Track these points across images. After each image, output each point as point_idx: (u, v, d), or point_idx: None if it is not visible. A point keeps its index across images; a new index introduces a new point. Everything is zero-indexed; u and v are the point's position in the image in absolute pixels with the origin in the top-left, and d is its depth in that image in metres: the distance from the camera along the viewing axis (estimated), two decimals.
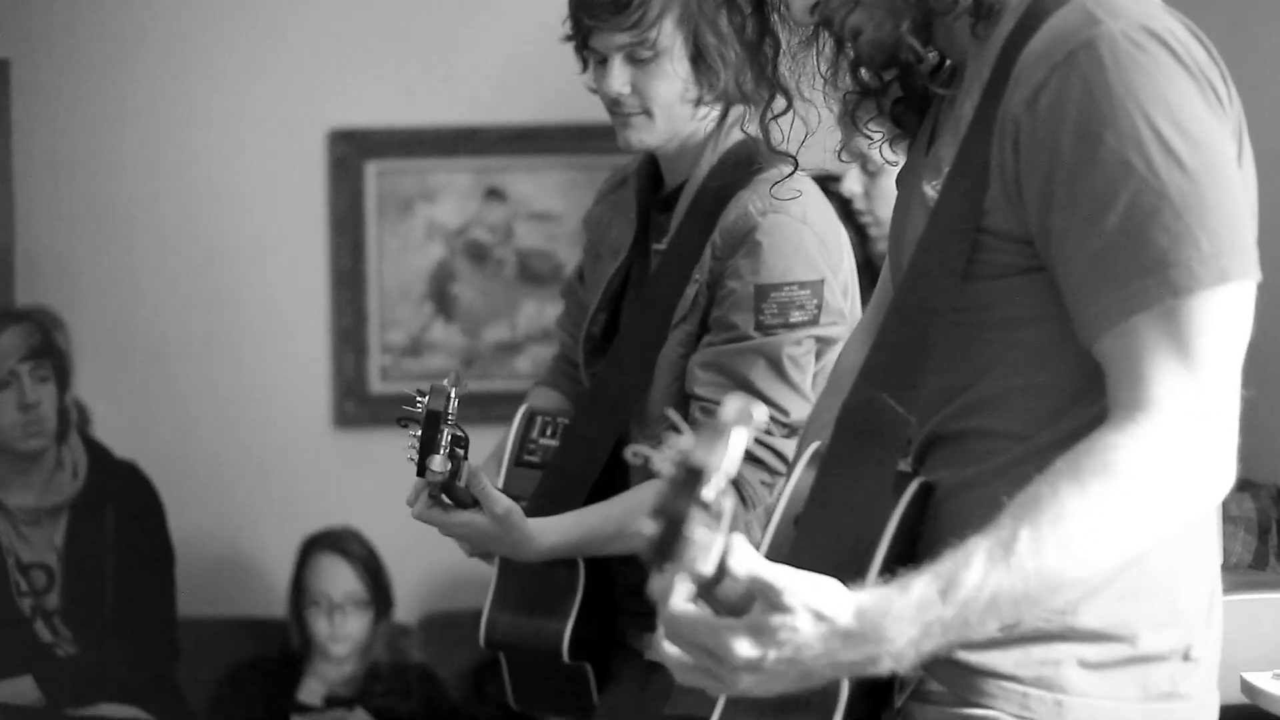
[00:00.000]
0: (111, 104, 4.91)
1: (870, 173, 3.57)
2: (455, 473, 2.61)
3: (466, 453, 2.62)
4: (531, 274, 4.99)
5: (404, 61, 4.93)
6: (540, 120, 4.88)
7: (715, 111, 2.86)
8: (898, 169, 2.15)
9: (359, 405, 4.99)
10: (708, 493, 1.59)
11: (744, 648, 1.70)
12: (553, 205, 4.95)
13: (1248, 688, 2.94)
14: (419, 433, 2.58)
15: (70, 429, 4.28)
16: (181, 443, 4.92)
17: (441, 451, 2.57)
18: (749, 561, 1.69)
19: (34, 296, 4.81)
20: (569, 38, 2.86)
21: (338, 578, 4.58)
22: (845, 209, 3.51)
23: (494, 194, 4.97)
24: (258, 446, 4.98)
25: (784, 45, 2.13)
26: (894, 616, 1.72)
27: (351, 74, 4.93)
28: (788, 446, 2.73)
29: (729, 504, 1.64)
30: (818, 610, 1.71)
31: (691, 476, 1.58)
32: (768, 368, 2.76)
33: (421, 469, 2.60)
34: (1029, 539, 1.72)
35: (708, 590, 1.71)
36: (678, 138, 2.86)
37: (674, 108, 2.82)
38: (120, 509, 4.29)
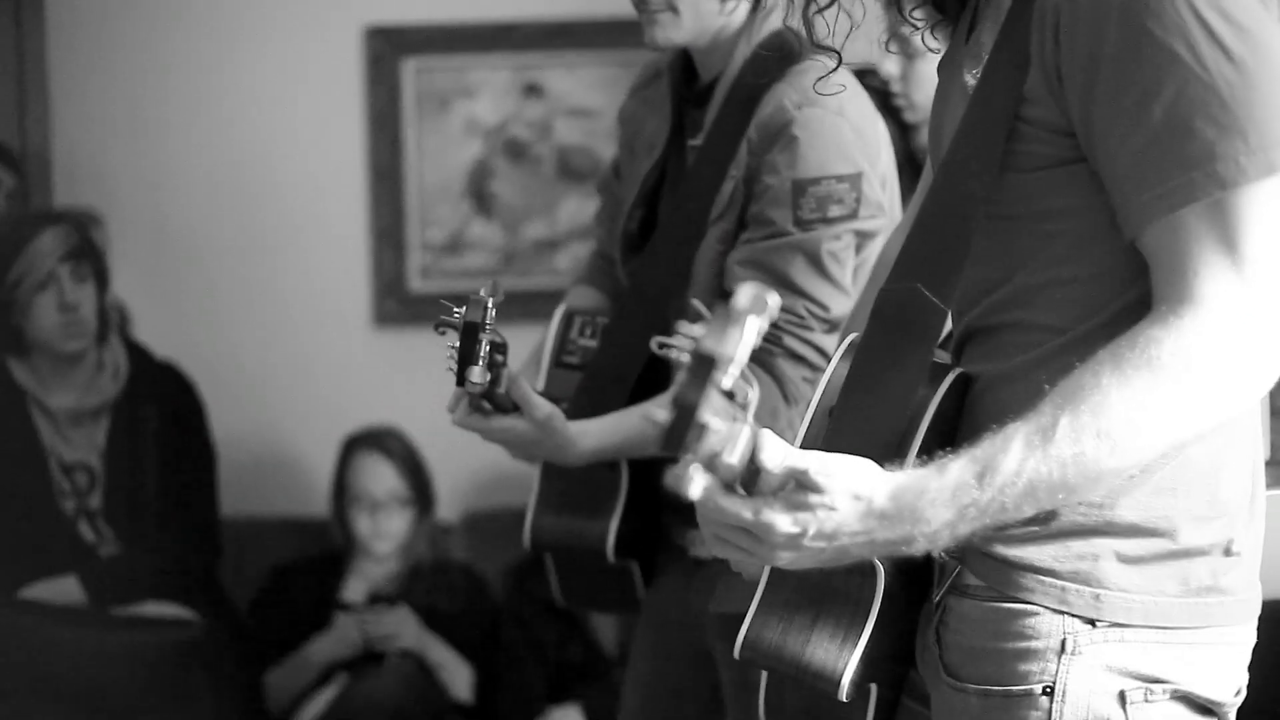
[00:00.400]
0: (146, 5, 4.89)
1: (909, 55, 3.52)
2: (495, 380, 2.60)
3: (506, 359, 2.60)
4: (571, 170, 4.97)
5: None
6: (578, 15, 4.84)
7: (746, 3, 2.82)
8: (938, 55, 2.12)
9: (399, 303, 4.99)
10: (723, 380, 1.59)
11: (783, 523, 1.73)
12: (591, 101, 4.92)
13: None
14: (457, 343, 2.57)
15: (110, 330, 4.28)
16: (221, 342, 4.93)
17: (480, 362, 2.56)
18: (781, 451, 1.71)
19: (73, 198, 4.81)
20: None
21: (379, 476, 4.59)
22: (884, 100, 3.47)
23: (532, 90, 4.94)
24: (298, 345, 4.98)
25: None
26: (929, 498, 1.74)
27: None
28: (829, 342, 2.71)
29: (754, 394, 1.65)
30: (854, 490, 1.73)
31: (704, 364, 1.58)
32: (807, 263, 2.74)
33: (461, 379, 2.59)
34: (1068, 426, 1.72)
35: (744, 483, 1.72)
36: (707, 33, 2.83)
37: (701, 3, 2.79)
38: (161, 409, 4.29)
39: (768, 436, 1.71)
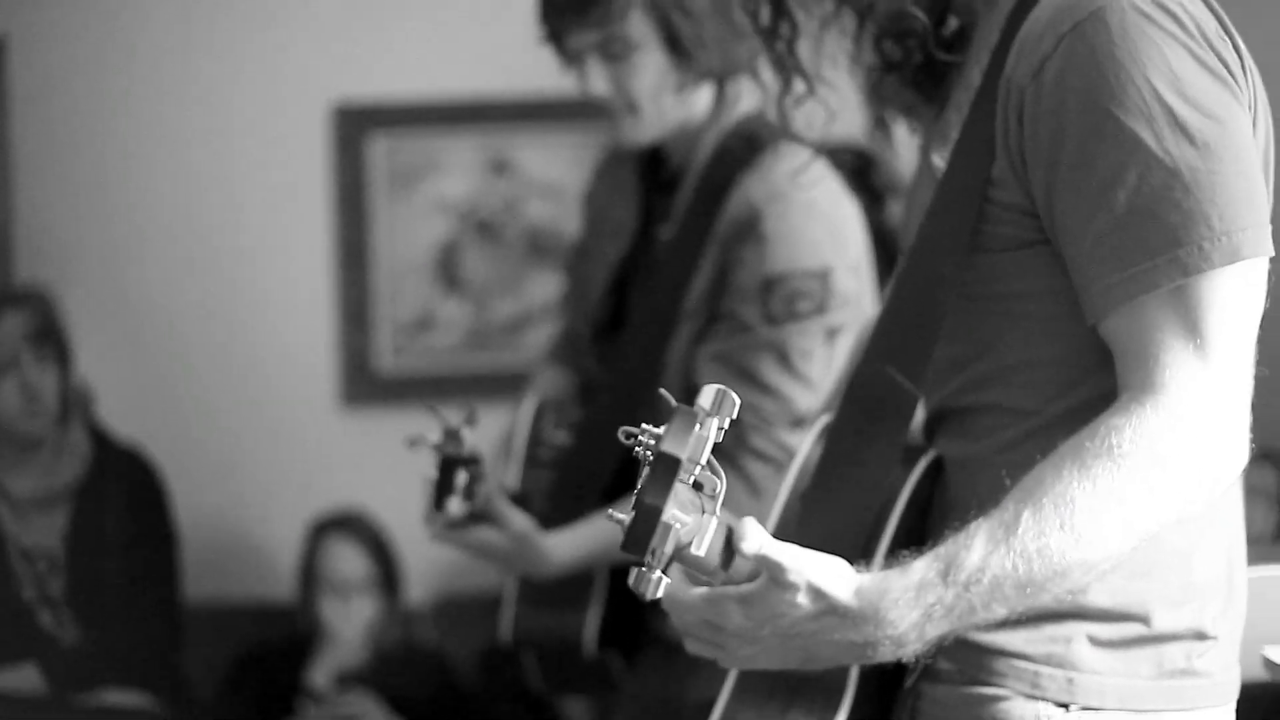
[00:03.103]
0: (111, 79, 4.88)
1: (889, 140, 3.53)
2: (471, 498, 2.65)
3: (482, 474, 2.64)
4: (540, 248, 4.96)
5: (408, 33, 4.90)
6: (547, 92, 4.83)
7: (708, 92, 2.81)
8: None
9: (366, 383, 4.96)
10: (684, 478, 1.60)
11: (736, 616, 1.73)
12: (560, 178, 4.92)
13: (1270, 663, 2.90)
14: (434, 466, 2.63)
15: (72, 412, 4.25)
16: (186, 422, 4.90)
17: (459, 492, 2.62)
18: (759, 538, 1.70)
19: (35, 273, 4.78)
20: (543, 40, 2.82)
21: (347, 560, 4.55)
22: (858, 174, 3.46)
23: (501, 167, 4.94)
24: (264, 426, 4.95)
25: (800, 27, 2.11)
26: (893, 598, 1.72)
27: (354, 46, 4.90)
28: (796, 439, 2.69)
29: (722, 485, 1.65)
30: (818, 587, 1.71)
31: (666, 465, 1.59)
32: (775, 361, 2.74)
33: (439, 505, 2.64)
34: (1030, 520, 1.71)
35: (717, 572, 1.72)
36: (672, 125, 2.82)
37: (659, 99, 2.78)
38: (123, 494, 4.27)
39: (749, 523, 1.70)
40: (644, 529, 1.59)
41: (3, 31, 4.85)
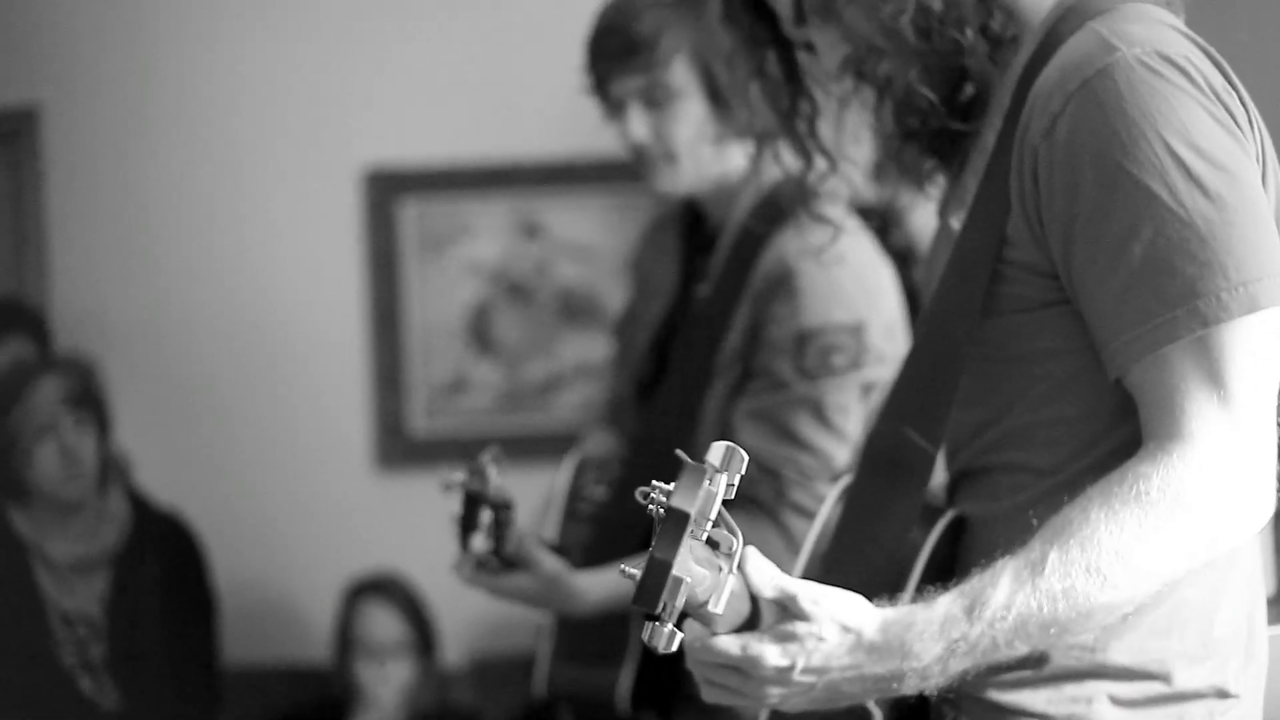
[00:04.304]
0: (145, 146, 4.91)
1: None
2: (502, 540, 2.65)
3: (512, 519, 2.65)
4: (571, 310, 4.96)
5: (437, 98, 4.91)
6: (577, 154, 4.85)
7: (744, 150, 2.83)
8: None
9: (400, 445, 4.96)
10: (698, 534, 1.62)
11: (773, 655, 1.72)
12: (591, 240, 4.92)
13: None
14: (460, 505, 2.64)
15: (111, 478, 4.27)
16: (223, 487, 4.90)
17: (484, 529, 2.63)
18: (770, 574, 1.72)
19: (72, 344, 4.81)
20: (588, 88, 2.85)
21: (383, 623, 4.55)
22: (885, 237, 3.47)
23: (531, 230, 4.95)
24: (299, 489, 4.95)
25: (820, 106, 2.15)
26: (917, 631, 1.73)
27: (385, 111, 4.91)
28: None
29: (738, 543, 1.67)
30: (843, 622, 1.73)
31: (676, 521, 1.61)
32: (811, 416, 2.74)
33: (465, 544, 2.65)
34: (1057, 561, 1.72)
35: (735, 631, 1.73)
36: (709, 179, 2.83)
37: (697, 149, 2.80)
38: (163, 560, 4.27)
39: (755, 559, 1.71)
40: (654, 583, 1.60)
41: (37, 101, 4.89)
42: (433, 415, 4.96)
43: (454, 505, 2.66)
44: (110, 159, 4.90)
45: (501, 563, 2.70)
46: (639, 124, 2.80)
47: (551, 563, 2.71)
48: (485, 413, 4.91)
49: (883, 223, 3.61)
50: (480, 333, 4.96)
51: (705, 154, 2.81)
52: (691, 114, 2.78)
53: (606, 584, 2.77)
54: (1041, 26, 1.91)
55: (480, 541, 2.63)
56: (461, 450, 4.75)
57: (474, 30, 4.89)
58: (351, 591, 4.62)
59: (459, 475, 2.65)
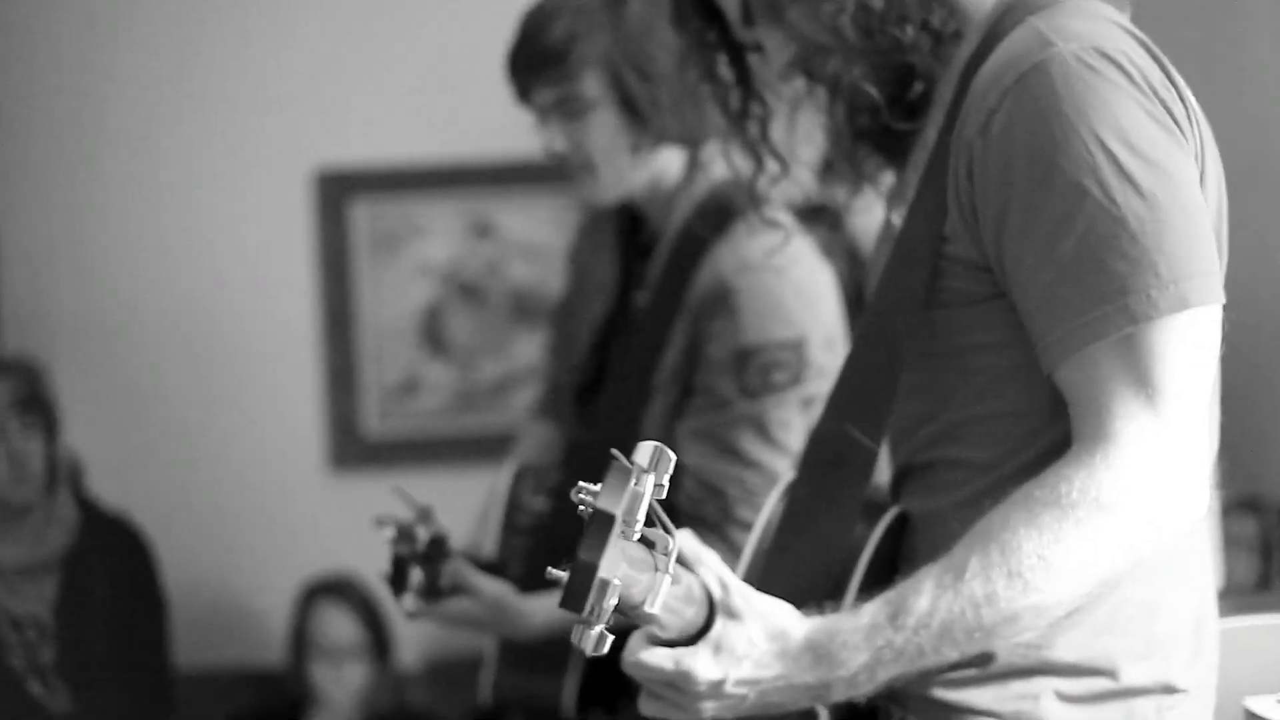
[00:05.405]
0: (94, 148, 4.88)
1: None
2: (436, 576, 2.66)
3: (446, 551, 2.66)
4: (524, 309, 4.96)
5: (387, 99, 4.90)
6: (528, 154, 4.84)
7: (680, 156, 2.82)
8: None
9: (354, 447, 4.95)
10: (627, 535, 1.61)
11: (704, 669, 1.72)
12: (543, 239, 4.92)
13: (1250, 715, 2.89)
14: (390, 567, 2.67)
15: (59, 482, 4.25)
16: (174, 489, 4.88)
17: (412, 590, 2.65)
18: (712, 564, 1.74)
19: (21, 345, 4.78)
20: (516, 99, 2.85)
21: (338, 625, 4.54)
22: (834, 229, 3.46)
23: (483, 230, 4.94)
24: (252, 492, 4.94)
25: (772, 108, 2.15)
26: (842, 640, 1.73)
27: (335, 112, 4.90)
28: None
29: (674, 542, 1.66)
30: (771, 631, 1.74)
31: (602, 522, 1.60)
32: (755, 434, 2.74)
33: (397, 597, 2.68)
34: (978, 566, 1.71)
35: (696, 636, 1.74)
36: (638, 185, 2.82)
37: (615, 159, 2.78)
38: (112, 562, 4.25)
39: (692, 546, 1.73)
40: (581, 585, 1.60)
41: None
42: (385, 416, 4.95)
43: (383, 563, 2.68)
44: (58, 160, 4.88)
45: (443, 593, 2.70)
46: (557, 135, 2.79)
47: (493, 587, 2.71)
48: (438, 413, 4.91)
49: (835, 221, 3.61)
50: (433, 333, 4.95)
51: (624, 163, 2.79)
52: (606, 124, 2.76)
53: (550, 606, 2.75)
54: (984, 22, 1.91)
55: (410, 603, 2.65)
56: (416, 451, 4.79)
57: (425, 31, 4.88)
58: (306, 593, 4.60)
59: (389, 531, 2.67)
